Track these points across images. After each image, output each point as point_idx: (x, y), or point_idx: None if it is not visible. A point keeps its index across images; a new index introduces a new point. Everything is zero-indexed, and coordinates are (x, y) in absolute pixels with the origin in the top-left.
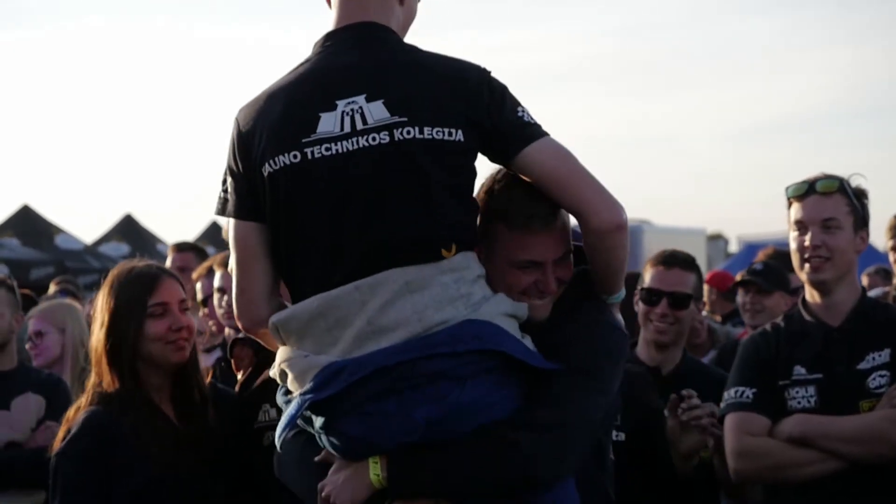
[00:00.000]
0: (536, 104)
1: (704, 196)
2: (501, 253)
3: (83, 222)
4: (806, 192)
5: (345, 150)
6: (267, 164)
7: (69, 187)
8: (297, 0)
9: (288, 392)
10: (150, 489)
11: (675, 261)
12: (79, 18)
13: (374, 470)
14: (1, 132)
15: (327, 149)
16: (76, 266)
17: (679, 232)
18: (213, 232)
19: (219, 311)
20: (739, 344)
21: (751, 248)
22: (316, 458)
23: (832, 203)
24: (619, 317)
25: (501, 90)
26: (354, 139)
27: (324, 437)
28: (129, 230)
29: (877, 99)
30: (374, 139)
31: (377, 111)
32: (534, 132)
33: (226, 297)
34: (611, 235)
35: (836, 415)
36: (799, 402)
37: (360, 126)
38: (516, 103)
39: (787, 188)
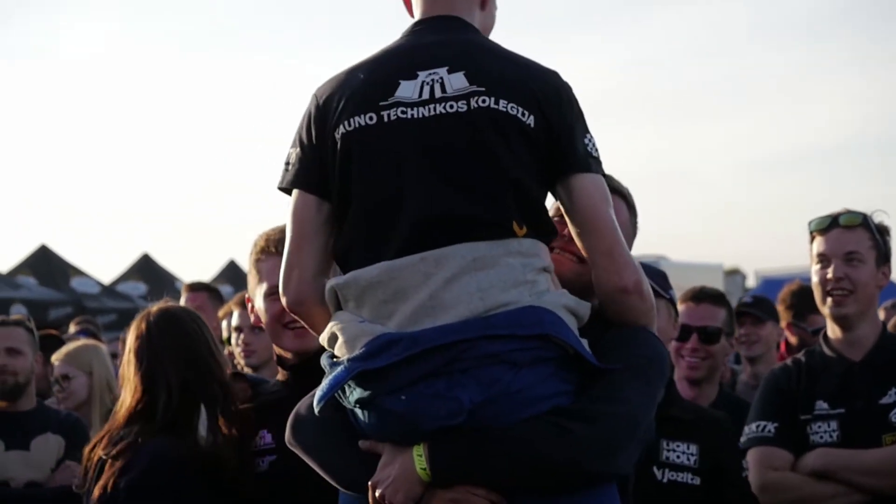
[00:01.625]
0: None
1: (722, 230)
2: None
3: (101, 260)
4: (829, 225)
5: (420, 115)
6: (341, 126)
7: (87, 226)
8: (319, 33)
9: (333, 357)
10: None
11: (704, 296)
12: (95, 56)
13: (420, 463)
14: (20, 171)
15: (403, 112)
16: (94, 306)
17: (696, 267)
18: (230, 271)
19: (236, 350)
20: (738, 382)
21: (768, 283)
22: (360, 444)
23: (855, 237)
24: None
25: (579, 108)
26: (432, 106)
27: (360, 413)
28: (146, 269)
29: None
30: (451, 107)
31: (457, 81)
32: (593, 164)
33: (242, 335)
34: (613, 295)
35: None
36: (821, 437)
37: (438, 94)
38: (587, 129)
39: (809, 222)
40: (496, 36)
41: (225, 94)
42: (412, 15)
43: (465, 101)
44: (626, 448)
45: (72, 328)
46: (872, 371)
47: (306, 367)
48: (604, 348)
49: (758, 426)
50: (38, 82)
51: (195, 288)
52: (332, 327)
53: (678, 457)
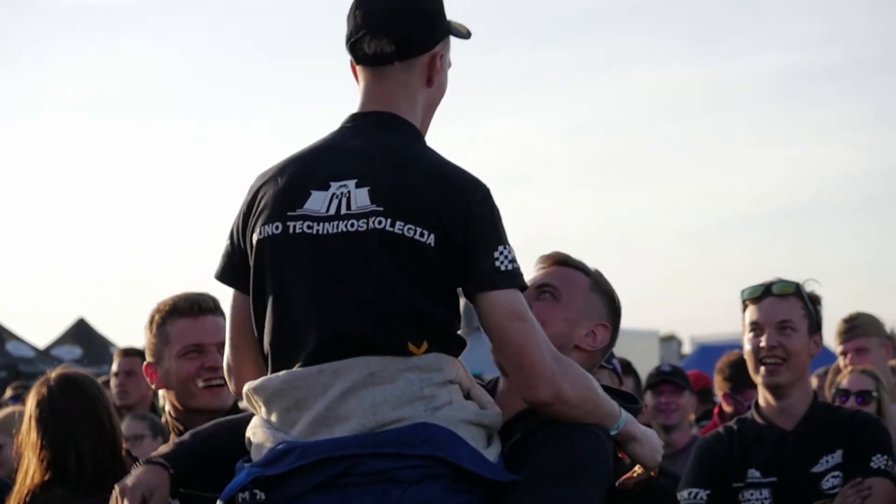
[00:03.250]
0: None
1: (658, 296)
2: None
3: (36, 324)
4: (762, 294)
5: (325, 231)
6: (256, 232)
7: (22, 289)
8: (262, 96)
9: (248, 460)
10: None
11: None
12: (29, 118)
13: None
14: None
15: (309, 227)
16: (29, 370)
17: (632, 334)
18: None
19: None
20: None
21: (704, 350)
22: None
23: (788, 306)
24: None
25: (492, 217)
26: (336, 223)
27: None
28: (81, 334)
29: (830, 198)
30: (351, 226)
31: (361, 198)
32: (500, 280)
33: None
34: (537, 407)
35: None
36: None
37: (343, 211)
38: (501, 240)
39: (742, 291)
40: (452, 92)
41: (161, 160)
42: (357, 81)
43: (364, 221)
44: None
45: (8, 392)
46: (804, 440)
47: None
48: (531, 449)
49: (690, 493)
50: None
51: (129, 353)
52: (248, 430)
53: None
